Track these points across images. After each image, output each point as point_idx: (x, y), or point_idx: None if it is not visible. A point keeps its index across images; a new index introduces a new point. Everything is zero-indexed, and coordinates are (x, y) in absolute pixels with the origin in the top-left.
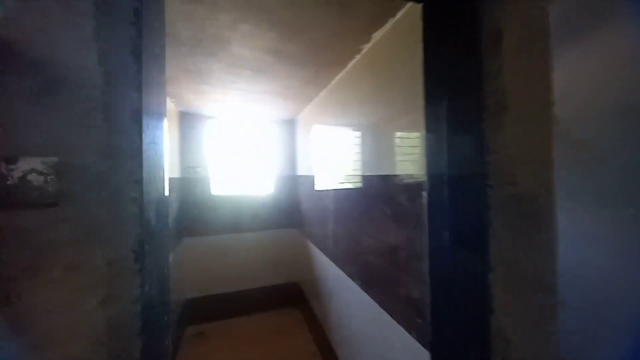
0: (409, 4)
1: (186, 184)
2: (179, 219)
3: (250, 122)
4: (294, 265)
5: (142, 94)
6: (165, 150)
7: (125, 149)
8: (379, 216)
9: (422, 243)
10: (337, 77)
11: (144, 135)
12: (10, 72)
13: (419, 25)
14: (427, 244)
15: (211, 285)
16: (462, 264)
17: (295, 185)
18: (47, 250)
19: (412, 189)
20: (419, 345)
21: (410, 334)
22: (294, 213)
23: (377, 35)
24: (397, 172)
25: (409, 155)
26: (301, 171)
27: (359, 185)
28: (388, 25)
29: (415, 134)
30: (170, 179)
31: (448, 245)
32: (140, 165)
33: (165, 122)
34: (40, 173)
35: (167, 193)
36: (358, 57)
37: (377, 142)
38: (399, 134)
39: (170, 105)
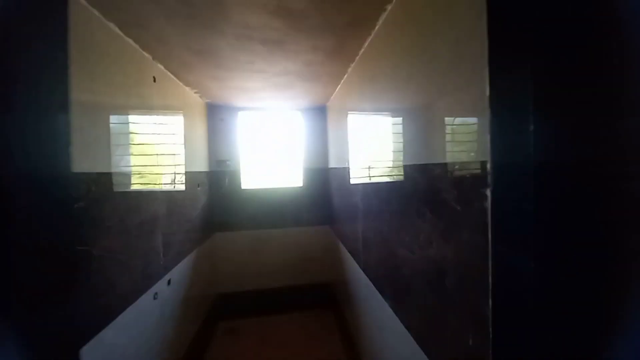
0: None
1: (216, 178)
2: (209, 213)
3: (279, 112)
4: (325, 266)
5: None
6: None
7: None
8: (416, 219)
9: (480, 261)
10: (366, 44)
11: None
12: None
13: None
14: (490, 264)
15: (242, 281)
16: (559, 296)
17: (327, 179)
18: None
19: (465, 183)
20: None
21: None
22: (325, 209)
23: None
24: (442, 160)
25: (461, 142)
26: (333, 163)
27: (389, 178)
28: None
29: (473, 114)
30: (200, 173)
31: (530, 269)
32: None
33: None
34: None
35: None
36: (389, 8)
37: (415, 126)
38: (447, 114)
39: (195, 97)
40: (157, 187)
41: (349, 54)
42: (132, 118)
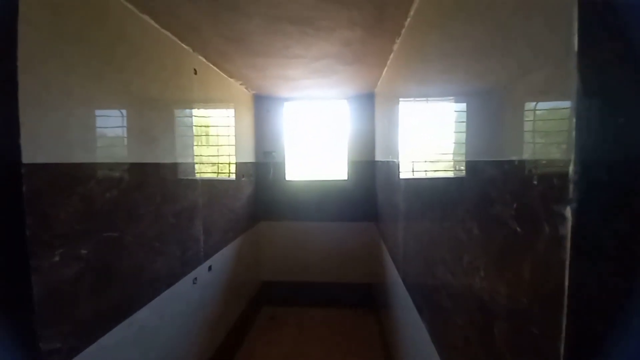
0: None
1: (261, 169)
2: (255, 203)
3: (325, 102)
4: (367, 266)
5: None
6: None
7: None
8: (460, 234)
9: (549, 325)
10: (412, 11)
11: None
12: None
13: None
14: (563, 333)
15: (285, 271)
16: None
17: (373, 173)
18: None
19: (529, 193)
20: None
21: None
22: (370, 205)
23: None
24: (495, 157)
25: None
26: (379, 156)
27: (431, 177)
28: None
29: (557, 100)
30: (246, 164)
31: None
32: None
33: None
34: None
35: None
36: None
37: (477, 114)
38: (522, 100)
39: (241, 88)
40: (197, 177)
41: (392, 27)
42: (182, 111)
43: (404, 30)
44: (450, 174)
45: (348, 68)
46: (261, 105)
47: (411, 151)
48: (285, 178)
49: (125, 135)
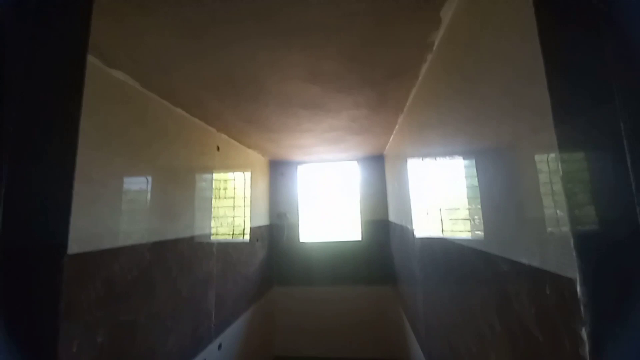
0: None
1: (275, 231)
2: (268, 267)
3: (336, 164)
4: (387, 338)
5: None
6: None
7: None
8: (483, 327)
9: None
10: (412, 94)
11: None
12: None
13: None
14: None
15: (299, 344)
16: None
17: (387, 232)
18: None
19: (546, 300)
20: None
21: None
22: (387, 265)
23: (448, 12)
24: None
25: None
26: (392, 217)
27: (446, 250)
28: None
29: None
30: (260, 227)
31: None
32: None
33: None
34: None
35: None
36: (430, 58)
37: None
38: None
39: (258, 156)
40: (213, 247)
41: (395, 105)
42: (203, 184)
43: (406, 107)
44: (465, 258)
45: (356, 137)
46: (276, 169)
47: (425, 221)
48: (299, 239)
49: (148, 214)
